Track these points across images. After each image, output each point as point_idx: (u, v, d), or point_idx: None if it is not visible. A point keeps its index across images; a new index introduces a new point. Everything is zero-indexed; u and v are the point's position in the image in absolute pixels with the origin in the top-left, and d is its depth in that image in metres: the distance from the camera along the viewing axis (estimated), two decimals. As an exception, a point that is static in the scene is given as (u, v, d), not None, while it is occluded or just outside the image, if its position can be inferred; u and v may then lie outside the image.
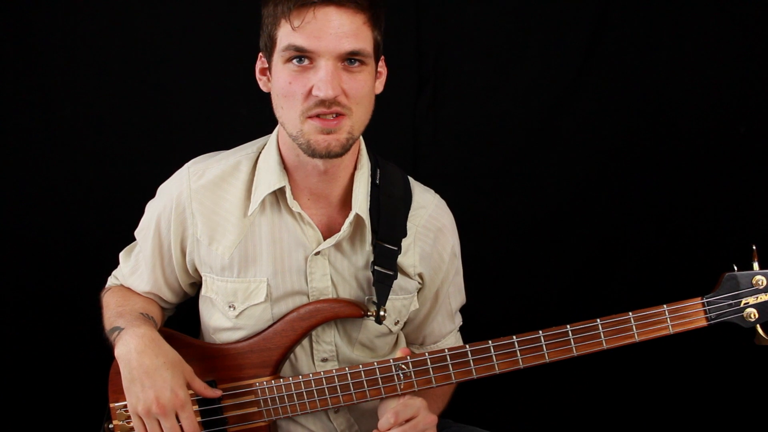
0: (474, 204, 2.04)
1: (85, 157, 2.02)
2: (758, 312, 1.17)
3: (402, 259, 1.37)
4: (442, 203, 1.46)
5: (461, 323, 1.55)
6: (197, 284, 1.46)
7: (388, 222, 1.35)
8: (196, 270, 1.40)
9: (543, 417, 2.18)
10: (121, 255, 1.49)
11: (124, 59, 1.97)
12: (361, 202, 1.33)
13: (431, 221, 1.41)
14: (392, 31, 1.93)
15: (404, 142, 2.04)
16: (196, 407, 1.34)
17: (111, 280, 1.52)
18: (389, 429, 1.23)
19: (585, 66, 2.02)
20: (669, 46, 2.00)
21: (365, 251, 1.36)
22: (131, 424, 1.31)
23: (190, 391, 1.29)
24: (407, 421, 1.24)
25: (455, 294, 1.50)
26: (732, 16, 1.97)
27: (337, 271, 1.35)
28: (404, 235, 1.37)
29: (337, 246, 1.35)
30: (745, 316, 1.18)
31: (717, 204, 2.03)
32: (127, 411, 1.30)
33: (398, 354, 1.30)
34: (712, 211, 2.04)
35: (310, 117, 1.21)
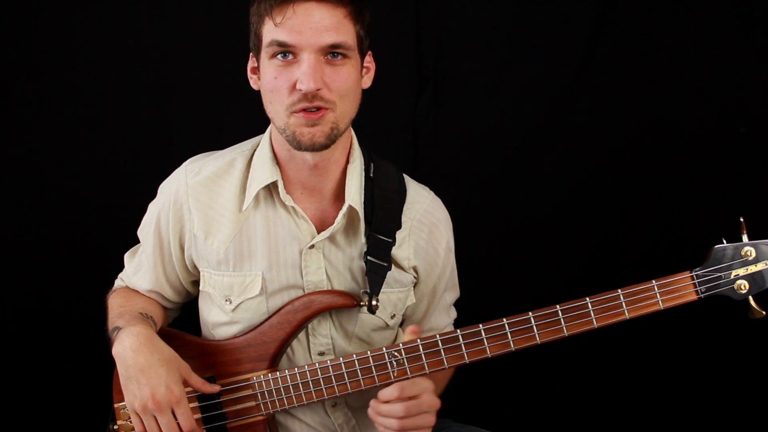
0: (474, 204, 2.06)
1: (89, 158, 2.06)
2: (749, 283, 1.17)
3: (396, 252, 1.40)
4: (437, 199, 1.49)
5: (456, 316, 1.56)
6: (198, 283, 1.48)
7: (382, 214, 1.38)
8: (195, 266, 1.45)
9: (543, 417, 2.18)
10: (126, 256, 1.55)
11: (124, 61, 2.02)
12: (354, 195, 1.37)
13: (426, 215, 1.44)
14: (392, 31, 1.98)
15: (404, 142, 2.07)
16: (195, 403, 1.37)
17: (117, 282, 1.57)
18: (389, 401, 1.24)
19: (585, 66, 2.05)
20: (669, 46, 2.02)
21: (359, 243, 1.39)
22: (134, 424, 1.34)
23: (188, 388, 1.32)
24: (411, 398, 1.24)
25: (450, 289, 1.53)
26: (732, 17, 1.99)
27: (332, 264, 1.39)
28: (399, 227, 1.40)
29: (331, 239, 1.38)
30: (735, 288, 1.18)
31: (718, 204, 2.01)
32: (130, 411, 1.33)
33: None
34: (714, 212, 1.97)
35: (295, 112, 1.26)
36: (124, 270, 1.56)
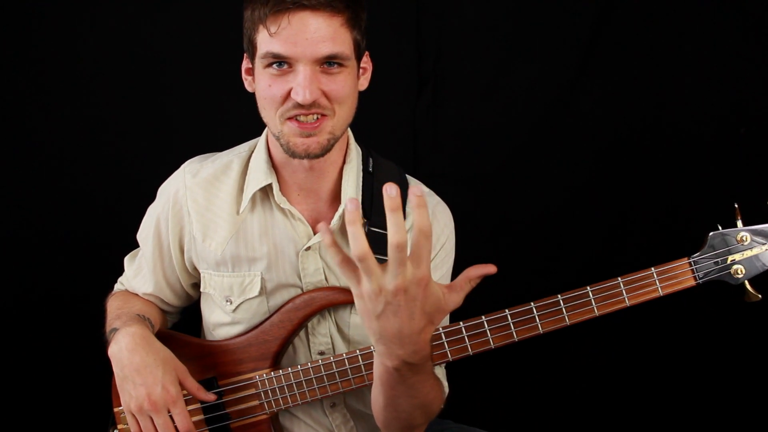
0: (474, 204, 2.14)
1: (90, 160, 2.15)
2: (745, 268, 1.25)
3: None
4: (443, 204, 1.52)
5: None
6: (199, 285, 1.55)
7: (382, 207, 1.39)
8: (195, 268, 1.52)
9: (543, 417, 2.25)
10: (126, 260, 1.62)
11: (125, 63, 2.11)
12: (350, 195, 1.42)
13: (428, 206, 1.48)
14: (392, 31, 2.04)
15: (404, 142, 2.15)
16: (197, 404, 1.43)
17: (117, 287, 1.64)
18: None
19: (585, 65, 2.13)
20: (669, 46, 2.11)
21: None
22: (135, 426, 1.39)
23: (184, 391, 1.38)
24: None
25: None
26: (732, 17, 2.07)
27: (329, 265, 1.44)
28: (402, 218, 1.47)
29: None
30: (732, 272, 1.26)
31: (716, 204, 2.07)
32: (132, 415, 1.38)
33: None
34: (712, 209, 2.07)
35: (288, 119, 1.31)
36: (123, 274, 1.62)
